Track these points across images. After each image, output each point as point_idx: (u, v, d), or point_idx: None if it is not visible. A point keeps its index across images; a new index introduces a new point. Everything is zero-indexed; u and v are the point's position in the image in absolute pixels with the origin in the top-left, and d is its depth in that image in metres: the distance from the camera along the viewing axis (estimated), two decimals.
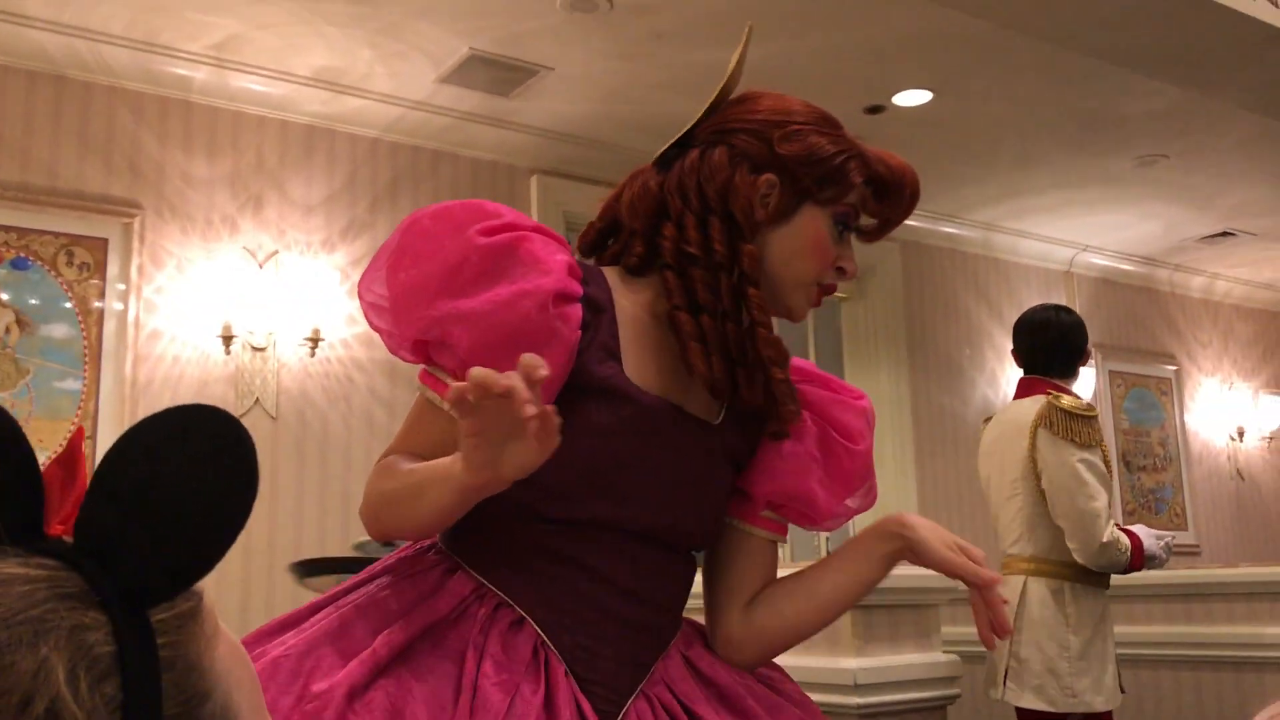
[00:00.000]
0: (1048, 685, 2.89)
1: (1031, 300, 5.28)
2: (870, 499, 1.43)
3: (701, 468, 1.29)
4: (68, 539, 0.53)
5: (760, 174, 1.27)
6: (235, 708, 0.55)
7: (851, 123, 1.35)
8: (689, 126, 1.33)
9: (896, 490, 5.88)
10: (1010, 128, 5.14)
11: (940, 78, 4.61)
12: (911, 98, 4.75)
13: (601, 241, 1.35)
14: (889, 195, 1.32)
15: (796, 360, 1.41)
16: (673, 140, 1.33)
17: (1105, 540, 2.88)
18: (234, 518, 0.53)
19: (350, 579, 1.27)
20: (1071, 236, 6.67)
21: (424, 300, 1.15)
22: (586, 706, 1.15)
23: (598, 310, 1.23)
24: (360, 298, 1.24)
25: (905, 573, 3.03)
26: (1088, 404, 3.03)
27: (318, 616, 1.19)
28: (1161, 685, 3.94)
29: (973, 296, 6.39)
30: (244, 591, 4.02)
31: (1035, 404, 3.03)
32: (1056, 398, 3.00)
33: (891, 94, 4.71)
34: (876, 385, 5.96)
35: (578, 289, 1.21)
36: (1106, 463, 3.01)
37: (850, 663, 2.75)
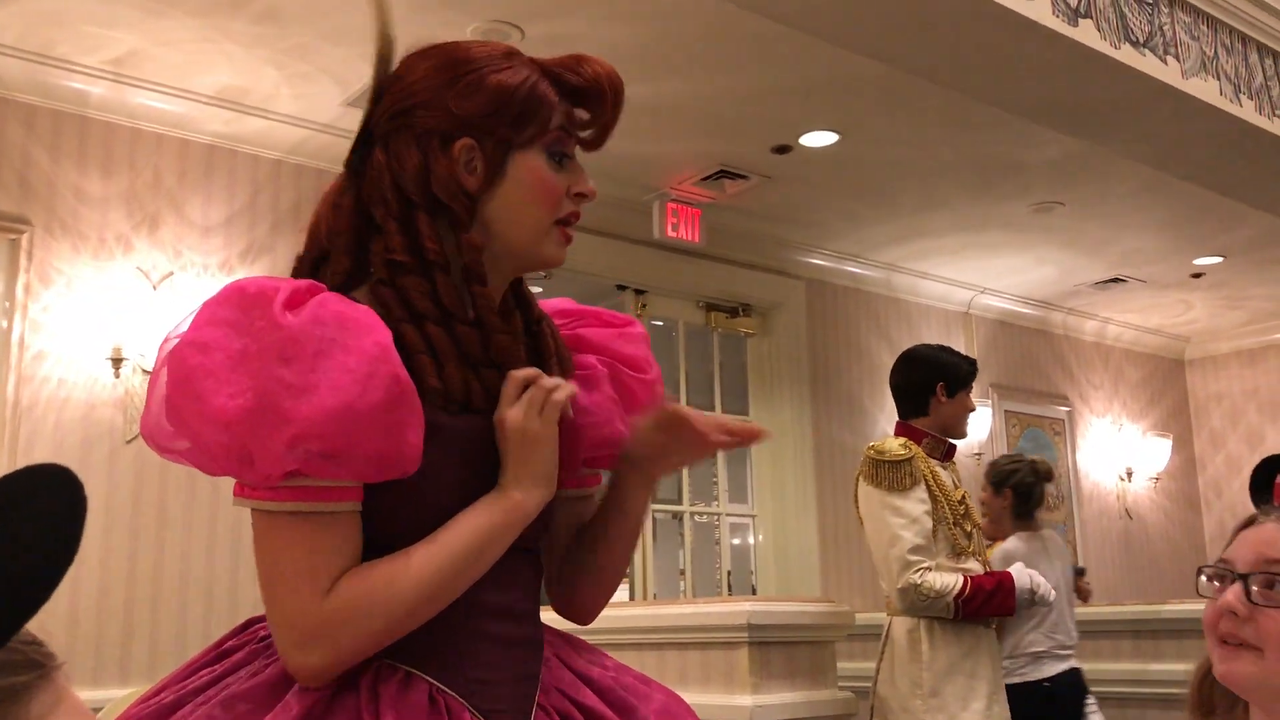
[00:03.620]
0: None
1: (931, 340, 5.38)
2: None
3: None
4: None
5: (453, 143, 1.17)
6: None
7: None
8: (362, 123, 1.22)
9: (798, 524, 5.92)
10: (913, 171, 5.25)
11: (847, 120, 4.69)
12: (818, 139, 4.82)
13: (315, 271, 1.23)
14: (590, 102, 1.23)
15: (555, 301, 1.37)
16: (354, 142, 1.23)
17: (900, 586, 2.97)
18: (48, 584, 0.53)
19: (186, 665, 1.15)
20: (970, 279, 6.83)
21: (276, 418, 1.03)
22: None
23: None
24: (164, 450, 1.12)
25: (801, 609, 3.04)
26: (902, 444, 3.14)
27: (175, 718, 1.07)
28: None
29: (875, 335, 6.49)
30: (127, 620, 3.87)
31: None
32: (872, 448, 3.15)
33: (799, 134, 4.78)
34: (780, 420, 6.01)
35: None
36: (946, 498, 3.08)
37: (746, 700, 2.74)
